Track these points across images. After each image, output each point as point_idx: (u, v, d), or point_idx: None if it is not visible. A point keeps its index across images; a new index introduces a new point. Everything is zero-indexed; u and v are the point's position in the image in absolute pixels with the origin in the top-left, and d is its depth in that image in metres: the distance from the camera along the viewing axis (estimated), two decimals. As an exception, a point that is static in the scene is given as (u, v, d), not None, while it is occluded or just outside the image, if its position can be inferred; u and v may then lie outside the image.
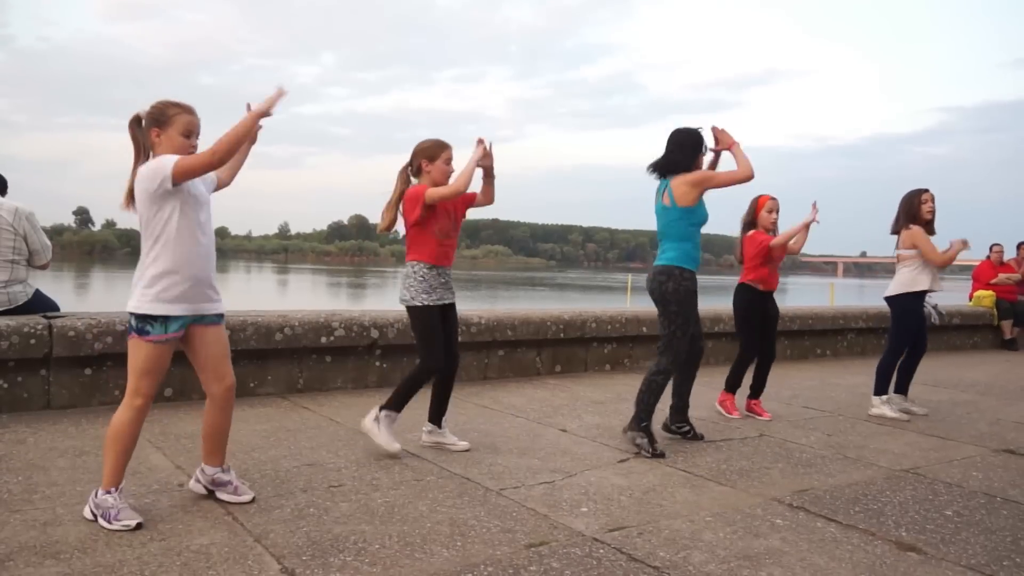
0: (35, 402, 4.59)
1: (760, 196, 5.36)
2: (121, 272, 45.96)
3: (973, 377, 7.63)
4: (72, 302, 18.52)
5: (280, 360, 5.40)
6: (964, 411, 5.78)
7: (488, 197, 4.16)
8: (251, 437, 4.19)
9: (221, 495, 3.17)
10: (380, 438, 3.90)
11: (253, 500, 3.16)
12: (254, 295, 35.31)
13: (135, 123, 2.99)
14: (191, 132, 2.96)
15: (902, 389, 5.66)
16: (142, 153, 2.98)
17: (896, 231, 5.49)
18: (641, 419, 4.24)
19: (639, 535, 2.97)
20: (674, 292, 4.20)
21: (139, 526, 2.81)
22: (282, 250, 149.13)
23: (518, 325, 6.40)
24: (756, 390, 5.34)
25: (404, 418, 4.06)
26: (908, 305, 5.42)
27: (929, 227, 5.39)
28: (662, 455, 4.12)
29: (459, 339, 4.27)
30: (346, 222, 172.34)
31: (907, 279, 5.39)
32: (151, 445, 3.94)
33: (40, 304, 4.87)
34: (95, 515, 2.85)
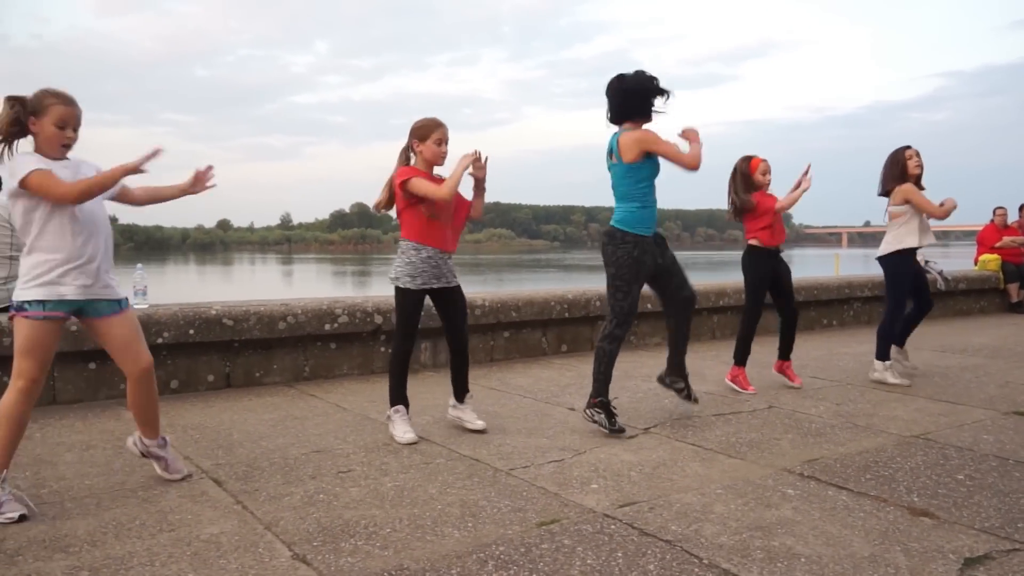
0: (41, 397, 4.58)
1: (752, 157, 5.18)
2: (123, 267, 45.94)
3: (981, 341, 7.59)
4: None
5: (285, 349, 5.38)
6: (973, 375, 5.75)
7: (476, 211, 4.06)
8: (259, 426, 4.18)
9: (156, 468, 3.29)
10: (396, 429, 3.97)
11: (184, 478, 3.27)
12: (258, 286, 35.33)
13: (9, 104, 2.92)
14: (65, 123, 2.93)
15: (899, 341, 5.64)
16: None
17: (885, 192, 5.41)
18: (595, 393, 4.06)
19: (650, 510, 2.96)
20: (612, 255, 4.07)
21: (22, 518, 2.79)
22: (285, 240, 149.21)
23: (522, 306, 6.37)
24: (784, 351, 5.31)
25: (410, 404, 4.06)
26: (898, 265, 5.38)
27: (917, 183, 5.31)
28: (621, 431, 3.99)
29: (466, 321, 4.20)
30: (348, 210, 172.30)
31: (895, 237, 5.36)
32: (159, 437, 3.93)
33: None
34: None
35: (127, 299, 3.17)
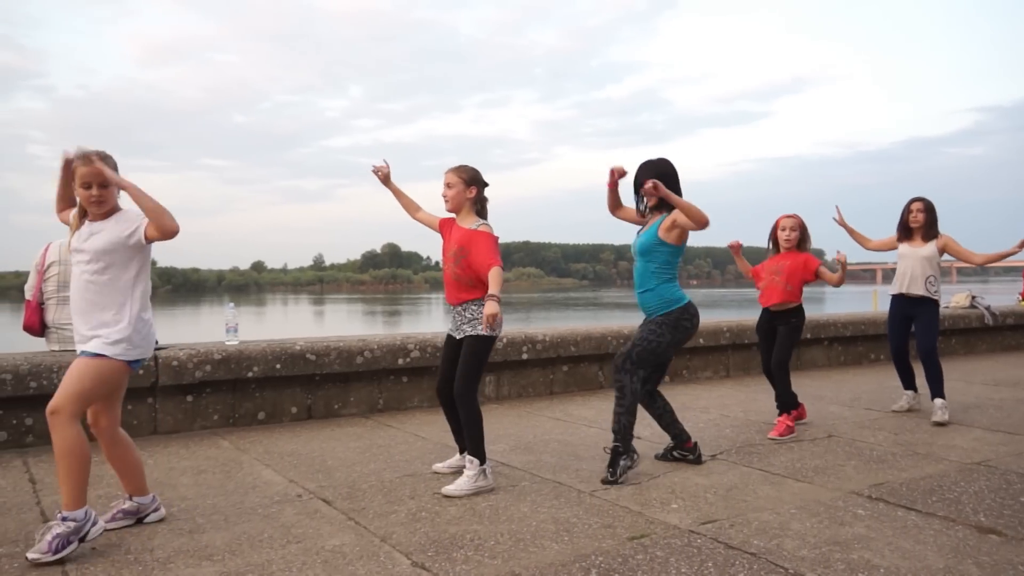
0: (144, 428, 4.92)
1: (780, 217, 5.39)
2: (163, 309, 47.11)
3: (1030, 375, 7.69)
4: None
5: (361, 382, 5.69)
6: (1025, 407, 5.88)
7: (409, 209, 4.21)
8: (347, 453, 4.47)
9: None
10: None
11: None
12: (292, 326, 35.85)
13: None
14: (88, 183, 2.96)
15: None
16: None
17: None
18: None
19: (731, 526, 3.18)
20: None
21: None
22: (317, 281, 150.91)
23: (580, 341, 6.63)
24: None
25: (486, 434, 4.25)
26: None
27: (924, 234, 5.63)
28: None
29: (467, 365, 3.81)
30: (379, 251, 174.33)
31: None
32: (260, 463, 4.23)
33: None
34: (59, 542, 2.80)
35: (96, 353, 2.97)
